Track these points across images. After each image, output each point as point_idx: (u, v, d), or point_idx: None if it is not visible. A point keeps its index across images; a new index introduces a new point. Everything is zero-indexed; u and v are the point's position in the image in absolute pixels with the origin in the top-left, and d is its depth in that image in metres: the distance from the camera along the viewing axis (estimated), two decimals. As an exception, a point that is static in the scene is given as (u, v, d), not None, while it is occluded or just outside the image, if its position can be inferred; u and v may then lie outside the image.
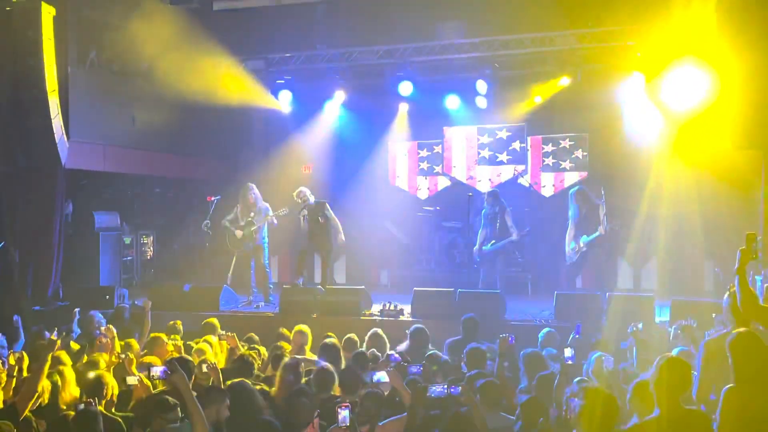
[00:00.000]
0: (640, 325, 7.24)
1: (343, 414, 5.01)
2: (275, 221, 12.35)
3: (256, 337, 9.10)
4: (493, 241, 11.99)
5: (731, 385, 4.59)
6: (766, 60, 9.92)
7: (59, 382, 6.13)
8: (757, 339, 4.68)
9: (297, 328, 8.56)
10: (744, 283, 5.21)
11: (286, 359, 7.06)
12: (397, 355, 6.80)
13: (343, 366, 7.09)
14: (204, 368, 6.90)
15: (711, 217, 12.66)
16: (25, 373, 6.12)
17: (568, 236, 11.55)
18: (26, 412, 5.60)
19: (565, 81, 13.73)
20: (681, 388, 4.53)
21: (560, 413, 5.65)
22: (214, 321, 9.26)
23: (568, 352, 6.40)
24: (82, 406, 5.52)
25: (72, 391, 6.21)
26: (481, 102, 14.32)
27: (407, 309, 10.98)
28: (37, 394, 5.73)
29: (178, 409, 5.34)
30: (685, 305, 9.57)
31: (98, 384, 6.11)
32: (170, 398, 5.42)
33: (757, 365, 4.57)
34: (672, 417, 4.44)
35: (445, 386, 5.56)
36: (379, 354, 7.62)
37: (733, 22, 10.23)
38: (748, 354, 4.60)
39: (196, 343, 8.11)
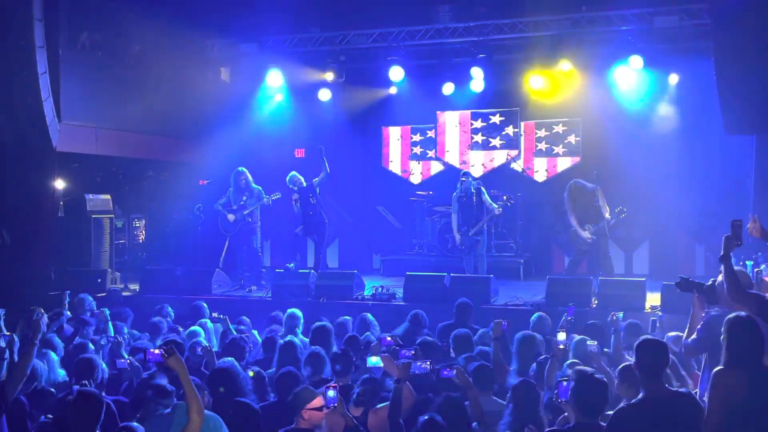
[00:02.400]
0: (620, 315, 7.27)
1: (331, 395, 5.02)
2: (268, 204, 12.35)
3: (248, 320, 9.13)
4: (474, 229, 11.87)
5: (720, 367, 4.62)
6: (761, 46, 9.91)
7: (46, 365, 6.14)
8: (753, 323, 4.69)
9: (289, 311, 8.59)
10: (729, 269, 5.23)
11: (280, 342, 7.07)
12: (390, 339, 6.80)
13: (333, 349, 7.10)
14: (198, 350, 6.90)
15: (702, 200, 12.71)
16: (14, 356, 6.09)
17: (576, 226, 11.29)
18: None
19: (564, 68, 13.62)
20: (659, 366, 4.56)
21: (551, 396, 5.69)
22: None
23: (561, 336, 6.43)
24: (77, 387, 5.50)
25: (57, 373, 6.21)
26: (475, 86, 14.26)
27: (399, 293, 10.99)
28: (26, 377, 5.71)
29: (174, 395, 5.34)
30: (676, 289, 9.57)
31: (89, 366, 6.11)
32: (168, 385, 5.42)
33: (748, 349, 4.59)
34: (658, 398, 4.47)
35: (428, 363, 5.57)
36: (372, 339, 7.61)
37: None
38: (743, 336, 4.62)
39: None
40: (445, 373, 5.56)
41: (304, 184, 12.22)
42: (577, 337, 7.02)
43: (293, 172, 12.37)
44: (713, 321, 5.36)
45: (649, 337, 4.85)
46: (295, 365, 6.38)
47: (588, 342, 6.63)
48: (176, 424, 4.76)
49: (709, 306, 5.65)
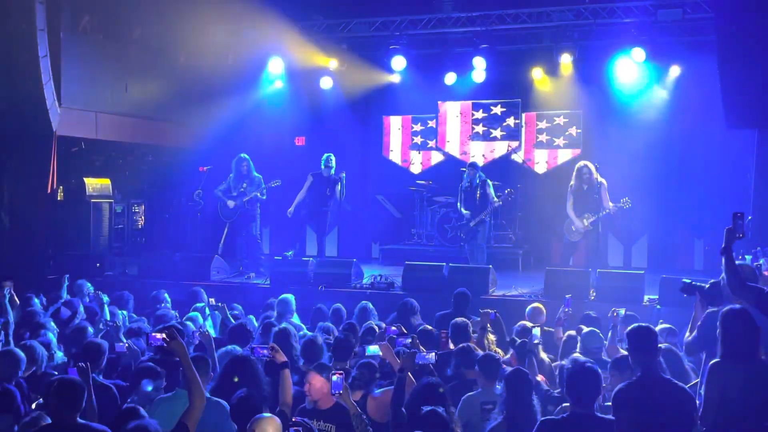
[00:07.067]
0: (621, 311, 7.23)
1: (336, 380, 5.05)
2: (262, 197, 12.34)
3: (240, 307, 9.15)
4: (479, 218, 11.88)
5: (717, 359, 4.63)
6: (764, 40, 9.88)
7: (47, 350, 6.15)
8: (748, 316, 4.70)
9: (281, 297, 8.61)
10: (730, 262, 5.23)
11: (275, 329, 7.07)
12: (394, 328, 6.83)
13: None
14: (196, 336, 6.90)
15: (702, 195, 12.72)
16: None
17: (570, 210, 11.25)
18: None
19: (566, 59, 13.54)
20: (649, 351, 4.61)
21: (547, 390, 5.74)
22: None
23: (536, 331, 6.46)
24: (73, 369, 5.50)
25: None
26: (477, 77, 14.22)
27: (398, 282, 10.99)
28: None
29: (164, 378, 5.35)
30: (675, 283, 9.57)
31: (96, 352, 6.10)
32: (157, 367, 5.43)
33: (743, 341, 4.60)
34: (655, 378, 4.52)
35: (433, 353, 5.60)
36: (375, 328, 7.61)
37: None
38: (737, 329, 4.63)
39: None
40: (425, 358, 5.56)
41: (333, 174, 12.15)
42: (585, 329, 7.01)
43: (332, 156, 12.31)
44: (712, 317, 5.36)
45: (640, 324, 4.93)
46: (290, 350, 6.39)
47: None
48: (179, 409, 4.78)
49: (710, 306, 5.66)
